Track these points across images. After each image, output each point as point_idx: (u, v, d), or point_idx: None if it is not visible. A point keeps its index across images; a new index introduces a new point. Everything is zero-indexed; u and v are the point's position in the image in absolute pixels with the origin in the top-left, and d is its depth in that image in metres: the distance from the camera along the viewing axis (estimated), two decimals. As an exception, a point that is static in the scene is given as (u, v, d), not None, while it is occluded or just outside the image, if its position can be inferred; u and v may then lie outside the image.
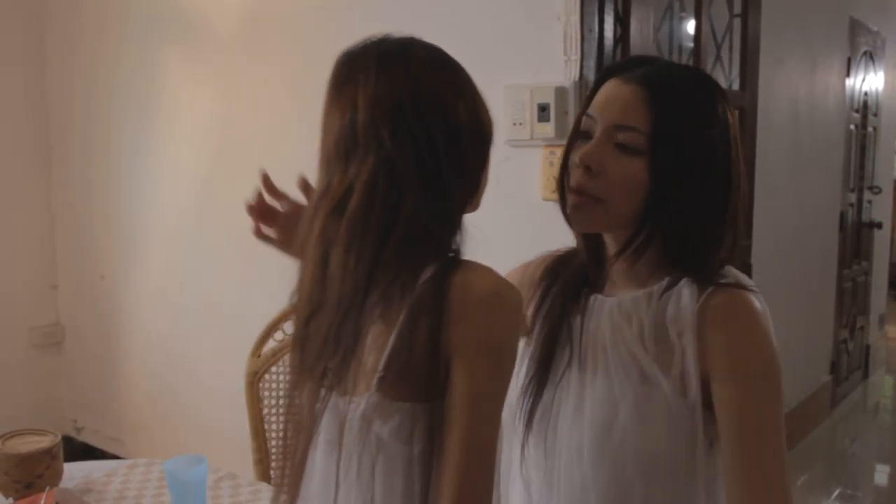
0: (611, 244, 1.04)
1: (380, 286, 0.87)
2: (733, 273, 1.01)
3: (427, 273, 0.87)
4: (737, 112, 1.03)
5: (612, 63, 1.12)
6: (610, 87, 1.00)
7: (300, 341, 0.94)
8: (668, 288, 0.97)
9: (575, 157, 0.99)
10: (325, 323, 0.89)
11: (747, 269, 2.73)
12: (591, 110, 1.00)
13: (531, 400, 1.05)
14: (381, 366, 0.87)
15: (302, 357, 0.93)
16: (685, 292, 0.97)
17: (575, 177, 0.99)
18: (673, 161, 0.95)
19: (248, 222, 1.10)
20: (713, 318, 0.95)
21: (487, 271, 0.89)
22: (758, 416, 0.93)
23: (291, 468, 0.93)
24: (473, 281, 0.87)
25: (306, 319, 0.92)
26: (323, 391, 0.91)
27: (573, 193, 0.99)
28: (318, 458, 0.93)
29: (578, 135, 1.02)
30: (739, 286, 0.98)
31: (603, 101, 0.99)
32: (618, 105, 0.97)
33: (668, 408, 0.95)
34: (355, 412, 0.89)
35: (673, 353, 0.95)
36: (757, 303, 0.98)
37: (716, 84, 1.01)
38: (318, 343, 0.90)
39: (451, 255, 0.91)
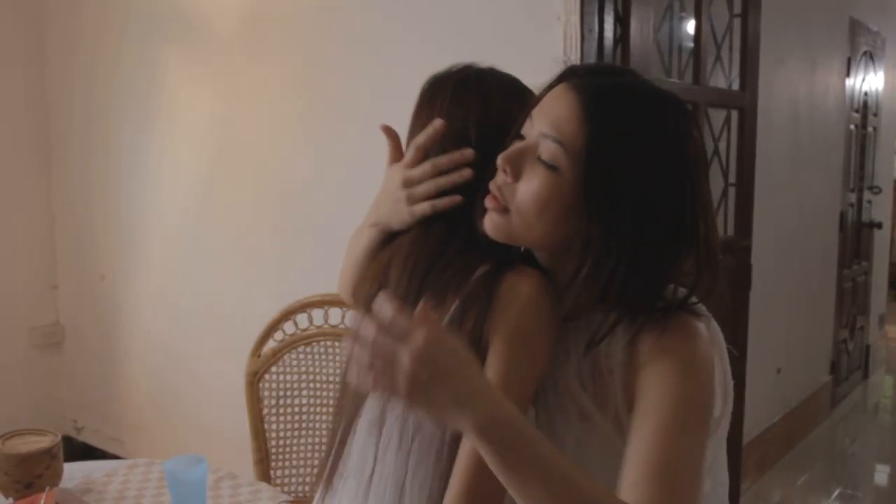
0: (541, 260, 0.97)
1: (434, 286, 0.94)
2: (674, 295, 0.92)
3: (481, 270, 0.93)
4: (701, 142, 0.94)
5: (576, 65, 1.02)
6: (557, 91, 0.92)
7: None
8: (603, 328, 0.90)
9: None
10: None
11: (747, 270, 2.73)
12: (534, 110, 0.93)
13: None
14: None
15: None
16: (621, 324, 0.90)
17: (496, 178, 0.92)
18: (598, 192, 0.86)
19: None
20: (642, 348, 0.87)
21: (536, 275, 0.93)
22: (668, 445, 0.80)
23: (335, 445, 0.99)
24: (521, 281, 0.92)
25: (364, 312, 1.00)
26: None
27: (489, 194, 0.93)
28: (358, 438, 0.98)
29: (517, 134, 0.94)
30: (677, 307, 0.90)
31: (544, 104, 0.92)
32: (553, 112, 0.89)
33: (608, 447, 0.89)
34: None
35: (608, 389, 0.90)
36: (697, 325, 0.89)
37: (680, 112, 0.90)
38: None
39: (505, 258, 0.96)
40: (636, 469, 0.80)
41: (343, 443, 0.99)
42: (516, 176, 0.90)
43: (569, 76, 0.94)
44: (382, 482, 0.94)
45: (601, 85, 0.90)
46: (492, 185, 0.92)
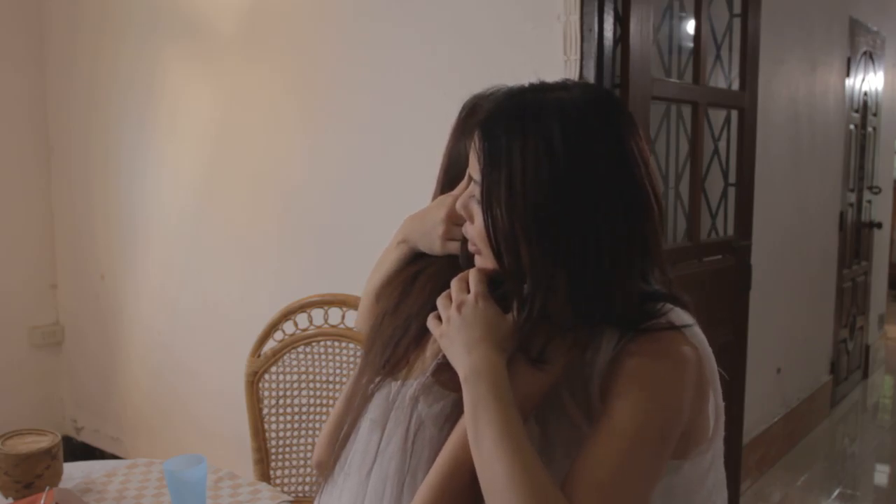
0: None
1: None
2: (668, 315, 0.91)
3: None
4: (638, 144, 0.89)
5: (482, 96, 1.09)
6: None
7: (374, 333, 1.04)
8: (589, 335, 0.91)
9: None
10: (392, 325, 1.01)
11: (747, 270, 2.73)
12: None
13: None
14: (441, 355, 0.94)
15: (370, 348, 1.03)
16: (606, 337, 0.90)
17: (465, 225, 0.97)
18: (499, 219, 0.88)
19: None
20: (622, 363, 0.87)
21: None
22: (613, 458, 0.82)
23: (338, 441, 1.01)
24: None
25: (381, 317, 1.04)
26: (378, 378, 1.00)
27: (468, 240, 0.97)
28: (361, 435, 0.99)
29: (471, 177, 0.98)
30: (667, 327, 0.89)
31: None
32: (471, 154, 0.93)
33: None
34: (405, 393, 0.96)
35: (591, 398, 0.91)
36: (682, 347, 0.88)
37: (569, 112, 0.87)
38: (384, 340, 1.01)
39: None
40: (578, 473, 0.83)
41: (346, 440, 1.01)
42: (471, 219, 0.95)
43: (476, 112, 1.00)
44: (381, 480, 0.95)
45: (488, 114, 0.92)
46: (463, 231, 0.98)
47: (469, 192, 0.95)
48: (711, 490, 0.96)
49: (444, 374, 0.94)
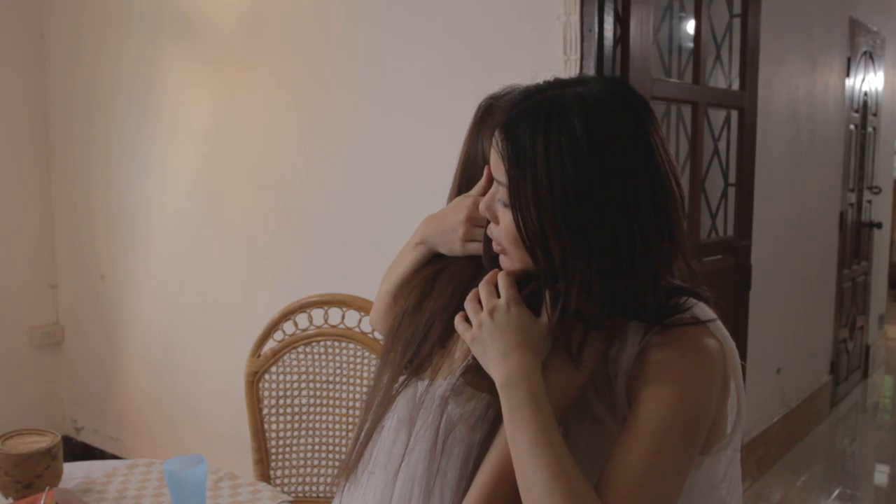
0: None
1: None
2: (692, 309, 0.92)
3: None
4: (659, 134, 0.89)
5: (498, 97, 1.08)
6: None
7: (393, 333, 1.04)
8: (614, 333, 0.91)
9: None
10: (414, 325, 1.01)
11: (747, 270, 2.73)
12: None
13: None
14: (471, 356, 0.94)
15: (391, 347, 1.03)
16: (631, 332, 0.91)
17: (489, 225, 0.97)
18: (528, 219, 0.87)
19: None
20: (648, 359, 0.88)
21: None
22: (647, 456, 0.83)
23: (360, 440, 1.01)
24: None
25: (401, 317, 1.04)
26: (402, 378, 0.99)
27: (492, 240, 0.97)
28: (387, 435, 0.99)
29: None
30: (691, 322, 0.90)
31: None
32: (492, 154, 0.92)
33: None
34: (434, 393, 0.96)
35: (616, 394, 0.92)
36: (707, 341, 0.89)
37: (596, 110, 0.86)
38: (405, 339, 1.02)
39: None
40: (612, 472, 0.83)
41: (369, 439, 1.00)
42: (495, 220, 0.94)
43: (495, 113, 0.98)
44: (409, 479, 0.95)
45: (508, 114, 0.91)
46: (487, 232, 0.97)
47: (492, 193, 0.94)
48: (727, 493, 0.96)
49: (474, 374, 0.94)
